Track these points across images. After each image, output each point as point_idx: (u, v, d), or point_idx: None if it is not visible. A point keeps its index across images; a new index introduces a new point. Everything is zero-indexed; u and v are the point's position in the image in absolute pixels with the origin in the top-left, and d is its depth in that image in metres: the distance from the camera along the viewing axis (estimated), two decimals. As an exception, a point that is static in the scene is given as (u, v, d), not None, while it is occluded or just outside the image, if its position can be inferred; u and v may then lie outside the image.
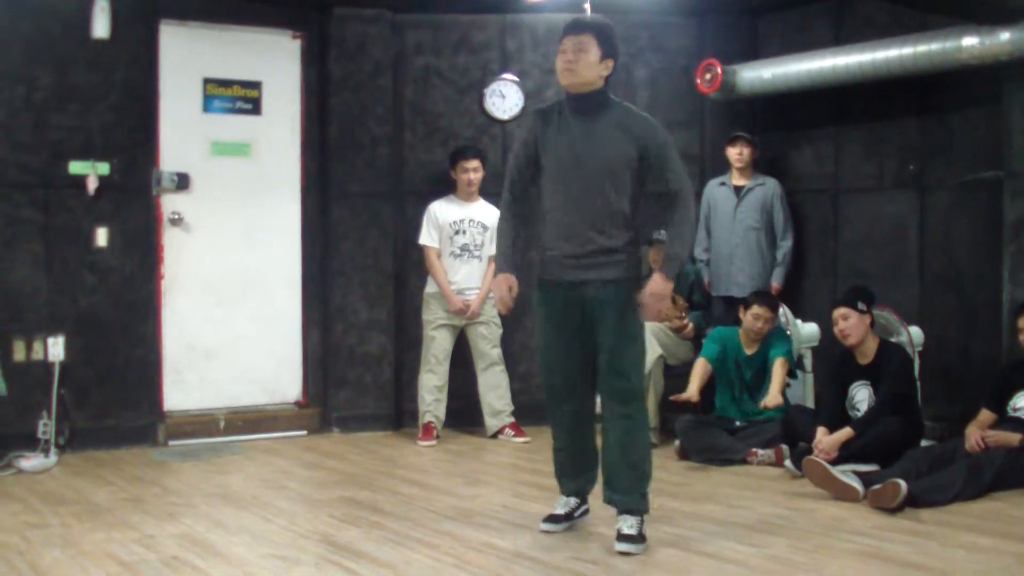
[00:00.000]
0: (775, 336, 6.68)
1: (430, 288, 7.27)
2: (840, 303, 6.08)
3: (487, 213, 7.24)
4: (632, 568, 4.29)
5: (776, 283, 7.43)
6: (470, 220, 7.24)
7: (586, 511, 4.95)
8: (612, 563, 4.35)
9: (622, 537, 4.51)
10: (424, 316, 7.29)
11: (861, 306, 6.01)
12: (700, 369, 6.64)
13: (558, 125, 4.65)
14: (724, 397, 6.74)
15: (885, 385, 5.92)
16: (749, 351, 6.68)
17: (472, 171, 7.21)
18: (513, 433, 7.17)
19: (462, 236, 7.22)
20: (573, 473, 4.91)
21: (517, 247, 4.83)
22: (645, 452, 4.70)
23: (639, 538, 4.52)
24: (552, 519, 4.87)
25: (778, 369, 6.51)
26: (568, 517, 4.88)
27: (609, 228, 4.60)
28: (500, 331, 7.33)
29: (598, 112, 4.62)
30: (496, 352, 7.29)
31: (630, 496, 4.63)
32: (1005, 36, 6.16)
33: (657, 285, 4.56)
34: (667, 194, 4.64)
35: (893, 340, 6.47)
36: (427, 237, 7.23)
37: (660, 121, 4.75)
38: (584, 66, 4.55)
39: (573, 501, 4.92)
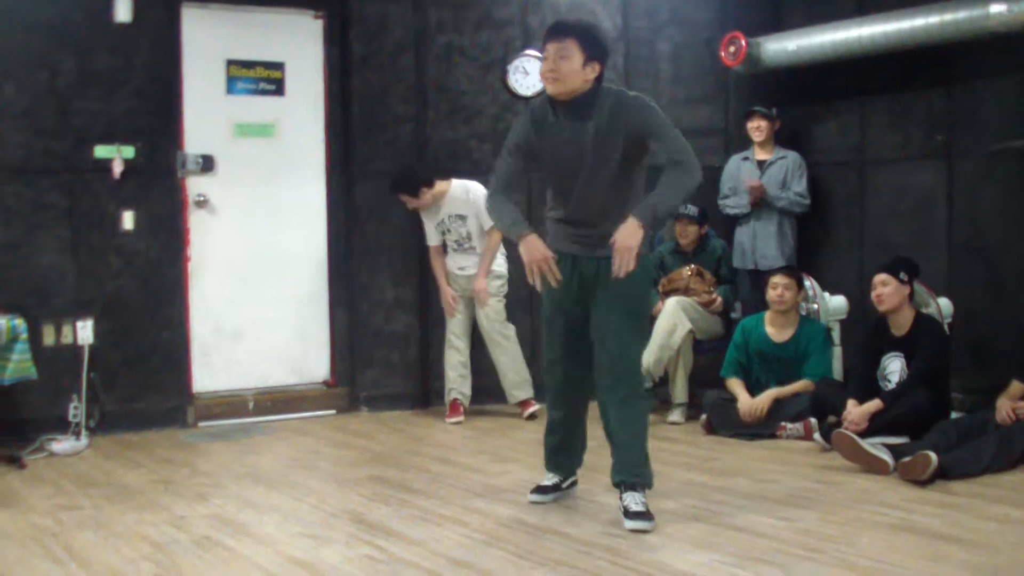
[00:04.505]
0: (818, 341, 6.57)
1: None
2: (882, 269, 6.04)
3: (457, 201, 7.11)
4: (661, 541, 4.29)
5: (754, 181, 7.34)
6: (447, 216, 7.17)
7: (574, 483, 5.06)
8: (642, 538, 4.35)
9: (632, 515, 4.50)
10: (443, 295, 7.30)
11: (903, 276, 5.98)
12: (735, 385, 6.62)
13: (553, 127, 4.58)
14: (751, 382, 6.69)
15: (919, 359, 5.87)
16: (780, 338, 6.60)
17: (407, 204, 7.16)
18: (526, 409, 7.13)
19: (450, 234, 7.19)
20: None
21: (519, 210, 4.77)
22: (642, 430, 4.72)
23: (648, 515, 4.51)
24: (540, 490, 4.98)
25: (800, 386, 6.45)
26: (556, 488, 4.98)
27: (617, 217, 4.49)
28: (500, 305, 7.22)
29: (590, 113, 4.50)
30: (497, 327, 7.17)
31: (631, 472, 4.65)
32: (1033, 3, 6.11)
33: (628, 228, 4.39)
34: (669, 163, 4.50)
35: (923, 312, 6.43)
36: (427, 237, 7.27)
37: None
38: (567, 73, 4.43)
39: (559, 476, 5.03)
